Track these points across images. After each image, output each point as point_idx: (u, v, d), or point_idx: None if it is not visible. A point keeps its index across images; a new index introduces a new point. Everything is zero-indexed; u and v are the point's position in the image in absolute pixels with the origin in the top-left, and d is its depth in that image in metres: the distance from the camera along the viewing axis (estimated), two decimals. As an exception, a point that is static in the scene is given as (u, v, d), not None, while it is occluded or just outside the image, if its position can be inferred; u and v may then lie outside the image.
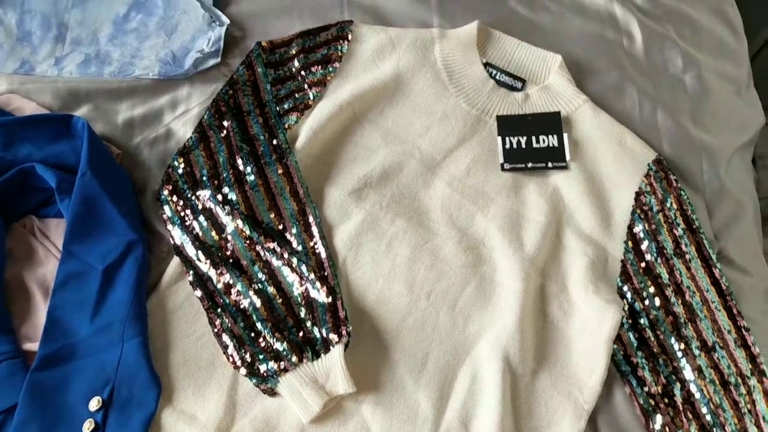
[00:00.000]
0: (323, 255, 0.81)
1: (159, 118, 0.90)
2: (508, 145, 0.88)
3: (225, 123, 0.86)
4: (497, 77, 0.93)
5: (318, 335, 0.76)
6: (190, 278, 0.80)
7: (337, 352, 0.75)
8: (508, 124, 0.90)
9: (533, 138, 0.89)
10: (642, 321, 0.81)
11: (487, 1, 1.00)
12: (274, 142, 0.85)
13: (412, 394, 0.77)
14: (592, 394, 0.78)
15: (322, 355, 0.75)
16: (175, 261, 0.81)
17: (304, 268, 0.79)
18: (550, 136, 0.88)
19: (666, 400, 0.78)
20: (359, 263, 0.82)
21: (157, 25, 0.94)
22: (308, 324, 0.77)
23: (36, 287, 0.80)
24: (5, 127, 0.83)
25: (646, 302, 0.82)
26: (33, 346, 0.77)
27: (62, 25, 0.94)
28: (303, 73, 0.90)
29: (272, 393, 0.75)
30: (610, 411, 0.79)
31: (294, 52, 0.92)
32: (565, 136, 0.88)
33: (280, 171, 0.84)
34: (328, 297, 0.78)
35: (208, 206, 0.82)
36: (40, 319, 0.78)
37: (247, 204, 0.83)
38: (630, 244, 0.84)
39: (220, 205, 0.82)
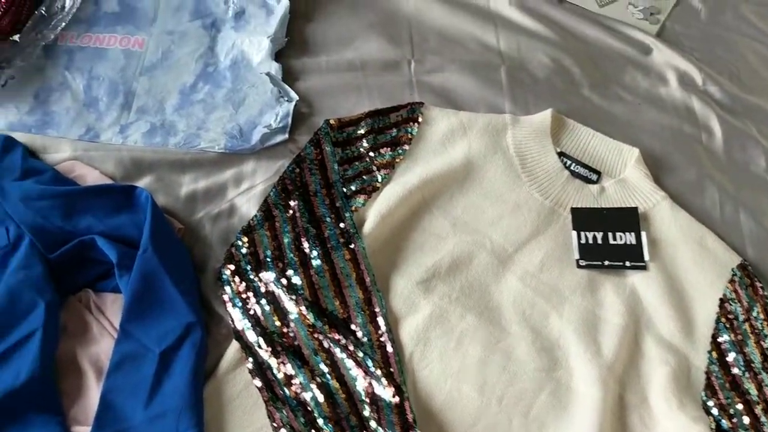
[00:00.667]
0: (389, 349, 0.76)
1: (223, 192, 0.86)
2: (583, 240, 0.84)
3: (291, 203, 0.83)
4: (572, 168, 0.88)
5: (383, 437, 0.70)
6: (249, 366, 0.75)
7: (403, 457, 0.69)
8: (583, 218, 0.85)
9: (609, 234, 0.84)
10: (729, 440, 0.75)
11: (559, 87, 0.96)
12: (341, 225, 0.81)
13: (480, 506, 0.71)
14: None
15: (387, 458, 0.70)
16: (234, 346, 0.77)
17: (369, 362, 0.74)
18: (627, 233, 0.84)
19: None
20: (427, 360, 0.77)
21: (225, 98, 0.91)
22: (373, 424, 0.72)
23: (89, 366, 0.76)
24: (66, 197, 0.80)
25: (734, 420, 0.76)
26: (82, 430, 0.72)
27: (129, 93, 0.91)
28: (372, 154, 0.87)
29: (333, 496, 0.69)
30: None
31: (363, 131, 0.88)
32: (643, 234, 0.84)
33: (347, 256, 0.79)
34: (394, 396, 0.72)
35: (271, 289, 0.78)
36: (92, 401, 0.74)
37: (311, 290, 0.78)
38: (714, 354, 0.78)
39: (284, 290, 0.77)
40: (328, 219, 0.83)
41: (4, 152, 0.83)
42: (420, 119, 0.90)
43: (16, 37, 0.90)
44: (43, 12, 0.92)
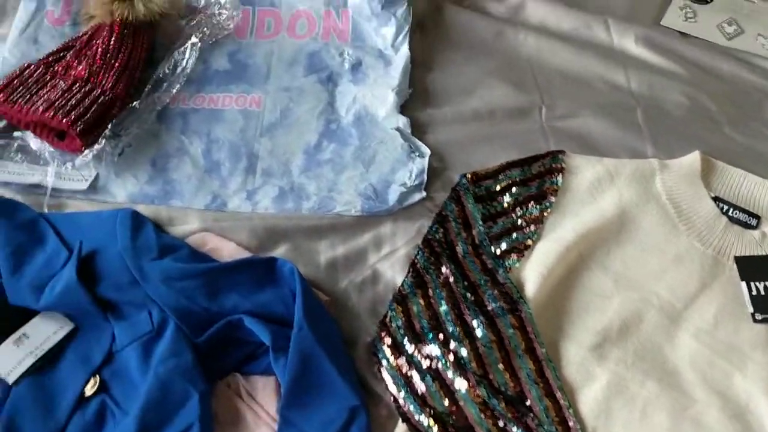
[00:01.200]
0: (571, 424, 0.69)
1: (363, 258, 0.81)
2: (754, 292, 0.77)
3: (443, 268, 0.76)
4: (729, 213, 0.83)
5: None
6: (420, 450, 0.68)
7: None
8: (750, 267, 0.79)
9: (781, 283, 0.78)
10: None
11: (698, 127, 0.90)
12: (500, 289, 0.75)
13: None
14: None
15: None
16: (401, 429, 0.71)
17: (552, 440, 0.67)
18: (802, 282, 0.77)
19: None
20: (611, 434, 0.70)
21: (353, 156, 0.85)
22: (564, 508, 0.64)
23: (246, 460, 0.69)
24: (209, 275, 0.74)
25: None
26: None
27: (252, 155, 0.85)
28: (517, 209, 0.81)
29: None
30: None
31: (504, 184, 0.83)
32: (820, 282, 0.77)
33: (513, 324, 0.73)
34: (584, 477, 0.65)
35: (434, 365, 0.71)
36: (254, 499, 0.67)
37: (478, 362, 0.72)
38: None
39: (449, 364, 0.70)
40: (482, 282, 0.77)
41: (135, 230, 0.77)
42: (564, 168, 0.84)
43: (136, 103, 0.84)
44: (160, 75, 0.86)
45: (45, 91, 0.84)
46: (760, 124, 0.93)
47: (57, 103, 0.82)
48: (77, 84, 0.84)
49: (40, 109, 0.82)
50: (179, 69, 0.88)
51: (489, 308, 0.75)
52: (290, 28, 0.95)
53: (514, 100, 0.92)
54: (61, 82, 0.84)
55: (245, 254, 0.79)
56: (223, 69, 0.92)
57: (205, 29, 0.89)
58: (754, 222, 0.83)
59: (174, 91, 0.87)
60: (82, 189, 0.82)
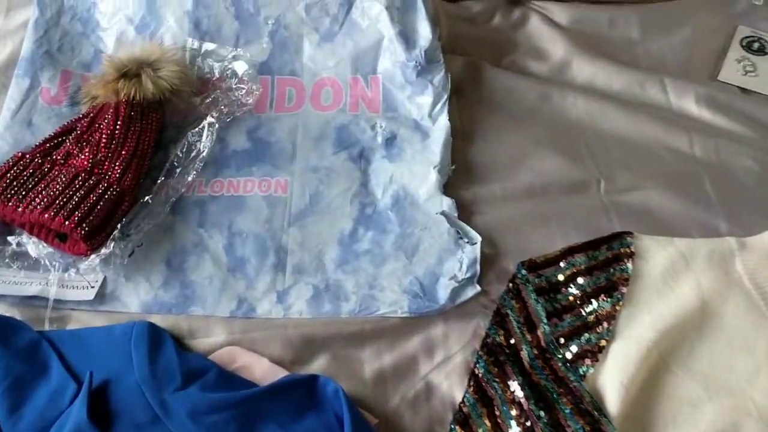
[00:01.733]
0: None
1: (414, 367, 0.70)
2: None
3: (509, 381, 0.65)
4: (819, 297, 0.72)
5: None
6: None
7: None
8: None
9: None
10: None
11: (773, 194, 0.80)
12: (579, 405, 0.64)
13: None
14: None
15: None
16: None
17: None
18: None
19: None
20: None
21: (394, 246, 0.75)
22: None
23: None
24: (242, 406, 0.64)
25: None
26: None
27: (280, 249, 0.74)
28: (585, 304, 0.71)
29: None
30: None
31: (567, 274, 0.73)
32: None
33: (597, 448, 0.62)
34: None
35: (508, 499, 0.60)
36: None
37: (558, 495, 0.61)
38: None
39: (526, 499, 0.59)
40: (555, 397, 0.66)
41: (153, 351, 0.66)
42: (633, 253, 0.74)
43: (148, 198, 0.73)
44: (174, 160, 0.75)
45: (43, 185, 0.73)
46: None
47: (58, 201, 0.71)
48: (80, 177, 0.73)
49: (38, 208, 0.71)
50: (194, 152, 0.77)
51: (568, 431, 0.64)
52: (314, 99, 0.85)
53: (568, 173, 0.81)
54: (61, 174, 0.73)
55: (280, 372, 0.68)
56: (243, 148, 0.81)
57: (222, 107, 0.78)
58: None
59: (189, 178, 0.76)
60: (88, 299, 0.71)
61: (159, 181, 0.76)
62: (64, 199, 0.72)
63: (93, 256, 0.71)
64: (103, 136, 0.76)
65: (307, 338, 0.71)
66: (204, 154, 0.78)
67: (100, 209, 0.72)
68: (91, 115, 0.79)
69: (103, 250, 0.71)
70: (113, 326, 0.70)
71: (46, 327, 0.71)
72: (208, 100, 0.81)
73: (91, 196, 0.72)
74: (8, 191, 0.73)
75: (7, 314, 0.70)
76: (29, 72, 0.84)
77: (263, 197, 0.79)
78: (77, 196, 0.72)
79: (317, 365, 0.70)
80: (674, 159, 0.84)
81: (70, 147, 0.77)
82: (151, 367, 0.65)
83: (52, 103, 0.84)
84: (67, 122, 0.80)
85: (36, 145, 0.78)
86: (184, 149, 0.78)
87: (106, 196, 0.73)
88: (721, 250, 0.77)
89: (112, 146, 0.75)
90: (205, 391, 0.65)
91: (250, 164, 0.80)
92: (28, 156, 0.76)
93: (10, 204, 0.72)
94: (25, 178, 0.74)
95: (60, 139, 0.79)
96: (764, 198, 0.82)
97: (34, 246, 0.72)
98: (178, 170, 0.78)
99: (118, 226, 0.72)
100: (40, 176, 0.75)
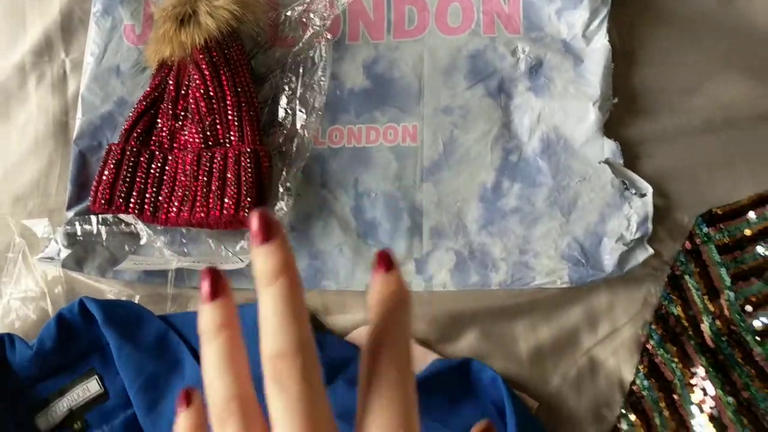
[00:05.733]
0: None
1: (575, 342, 0.69)
2: None
3: (689, 360, 0.63)
4: None
5: None
6: None
7: None
8: None
9: None
10: None
11: None
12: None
13: None
14: None
15: None
16: None
17: None
18: None
19: None
20: None
21: (547, 201, 0.71)
22: None
23: None
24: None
25: None
26: None
27: (414, 210, 0.72)
28: (778, 265, 0.65)
29: None
30: None
31: (757, 228, 0.68)
32: None
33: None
34: None
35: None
36: None
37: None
38: None
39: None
40: (746, 380, 0.63)
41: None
42: (839, 203, 0.67)
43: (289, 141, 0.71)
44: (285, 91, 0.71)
45: (170, 184, 0.71)
46: None
47: (199, 196, 0.69)
48: (202, 158, 0.70)
49: (185, 212, 0.70)
50: (314, 80, 0.73)
51: (764, 419, 0.62)
52: (440, 18, 0.78)
53: (758, 100, 0.73)
54: (179, 163, 0.71)
55: (430, 356, 0.68)
56: (361, 88, 0.77)
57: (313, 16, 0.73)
58: None
59: (317, 104, 0.72)
60: (240, 267, 0.71)
61: (283, 121, 0.73)
62: (204, 187, 0.70)
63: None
64: (199, 101, 0.72)
65: (453, 314, 0.70)
66: (325, 80, 0.73)
67: (247, 182, 0.70)
68: (170, 78, 0.75)
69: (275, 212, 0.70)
70: (243, 306, 0.70)
71: (168, 307, 0.71)
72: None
73: (228, 173, 0.70)
74: (135, 200, 0.72)
75: (125, 294, 0.71)
76: (108, 7, 0.80)
77: (390, 148, 0.75)
78: (215, 180, 0.70)
79: (465, 343, 0.70)
80: None
81: (170, 124, 0.74)
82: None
83: (138, 43, 0.80)
84: (145, 93, 0.76)
85: (125, 129, 0.74)
86: (291, 77, 0.74)
87: (244, 166, 0.70)
88: None
89: (214, 107, 0.72)
90: (351, 387, 0.65)
91: (372, 108, 0.76)
92: (127, 149, 0.73)
93: (148, 215, 0.71)
94: (143, 178, 0.73)
95: (150, 114, 0.75)
96: None
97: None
98: (297, 101, 0.74)
99: (279, 188, 0.70)
100: (159, 172, 0.73)
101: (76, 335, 0.69)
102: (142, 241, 0.72)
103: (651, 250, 0.69)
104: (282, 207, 0.70)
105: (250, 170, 0.70)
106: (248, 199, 0.69)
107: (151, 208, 0.72)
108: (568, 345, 0.69)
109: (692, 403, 0.65)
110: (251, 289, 0.72)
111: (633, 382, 0.67)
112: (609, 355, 0.69)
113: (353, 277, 0.72)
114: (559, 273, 0.69)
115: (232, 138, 0.71)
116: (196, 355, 0.68)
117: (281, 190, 0.71)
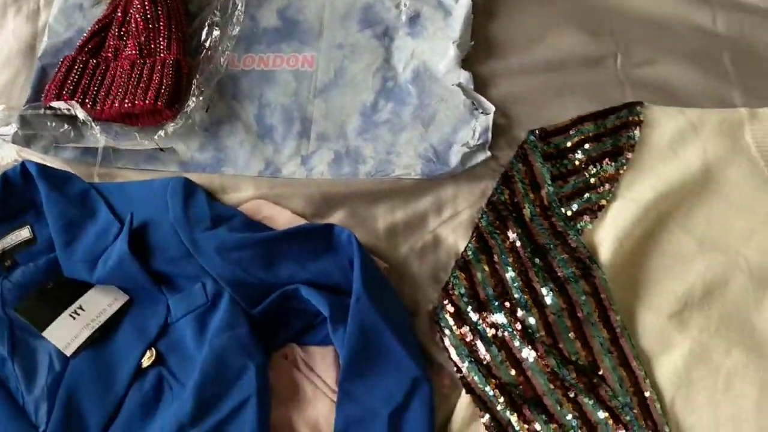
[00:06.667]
0: (648, 395, 0.71)
1: (423, 223, 0.83)
2: None
3: (509, 232, 0.78)
4: (830, 165, 0.81)
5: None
6: (485, 421, 0.72)
7: None
8: None
9: None
10: None
11: (795, 70, 0.88)
12: (572, 253, 0.76)
13: None
14: None
15: None
16: (465, 400, 0.74)
17: (626, 411, 0.68)
18: None
19: None
20: (692, 406, 0.72)
21: (412, 116, 0.87)
22: (639, 483, 0.66)
23: (307, 432, 0.73)
24: (265, 245, 0.77)
25: None
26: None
27: (305, 119, 0.88)
28: (590, 167, 0.82)
29: None
30: None
31: (575, 141, 0.83)
32: None
33: (586, 290, 0.74)
34: (664, 450, 0.67)
35: (499, 334, 0.73)
36: (317, 473, 0.71)
37: (548, 331, 0.74)
38: None
39: (516, 333, 0.72)
40: (552, 246, 0.78)
41: (187, 200, 0.81)
42: (641, 121, 0.84)
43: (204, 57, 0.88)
44: (211, 22, 0.89)
45: (109, 82, 0.89)
46: None
47: (130, 90, 0.86)
48: (136, 65, 0.88)
49: (117, 102, 0.86)
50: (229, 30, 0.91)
51: (559, 274, 0.77)
52: (341, -22, 0.97)
53: (586, 48, 0.91)
54: (119, 69, 0.89)
55: (301, 222, 0.83)
56: (273, 26, 0.95)
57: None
58: None
59: (234, 32, 0.90)
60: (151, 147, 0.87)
61: (205, 42, 0.90)
62: (134, 85, 0.88)
63: (177, 117, 0.86)
64: (139, 22, 0.90)
65: (326, 195, 0.85)
66: (236, 31, 0.92)
67: (167, 81, 0.87)
68: (119, 9, 0.93)
69: (187, 108, 0.86)
70: (153, 180, 0.86)
71: (95, 180, 0.87)
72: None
73: (155, 75, 0.88)
74: (78, 95, 0.89)
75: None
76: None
77: (291, 72, 0.93)
78: (144, 80, 0.88)
79: (334, 219, 0.84)
80: (695, 35, 0.92)
81: (115, 43, 0.92)
82: (184, 211, 0.81)
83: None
84: (98, 20, 0.95)
85: (78, 46, 0.93)
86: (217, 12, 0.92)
87: (166, 70, 0.88)
88: (732, 119, 0.86)
89: (150, 27, 0.90)
90: (232, 230, 0.80)
91: (280, 41, 0.94)
92: (78, 59, 0.91)
93: (87, 107, 0.88)
94: (88, 80, 0.90)
95: (101, 36, 0.94)
96: (785, 72, 0.90)
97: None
98: (217, 30, 0.91)
99: (192, 86, 0.87)
100: (101, 76, 0.90)
101: (16, 193, 0.84)
102: (81, 126, 0.88)
103: (489, 153, 0.86)
104: (191, 104, 0.86)
105: (170, 74, 0.87)
106: (166, 93, 0.86)
107: (91, 102, 0.89)
108: (418, 225, 0.84)
109: (508, 264, 0.79)
110: (163, 170, 0.88)
111: (464, 250, 0.81)
112: (450, 233, 0.84)
113: (248, 166, 0.88)
114: (414, 167, 0.85)
115: (162, 50, 0.89)
116: (111, 210, 0.83)
117: (195, 93, 0.87)
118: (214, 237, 0.79)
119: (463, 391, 0.75)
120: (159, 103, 0.85)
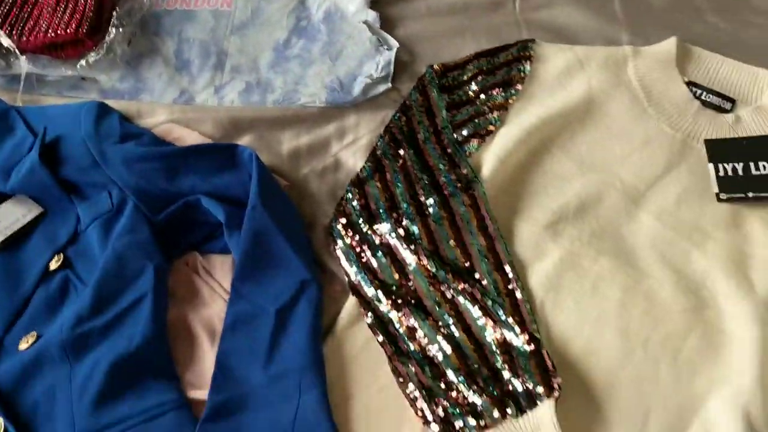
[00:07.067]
0: (519, 296, 0.75)
1: (326, 147, 0.88)
2: (722, 173, 0.81)
3: (401, 152, 0.83)
4: (702, 97, 0.86)
5: (521, 387, 0.69)
6: (369, 320, 0.76)
7: (546, 408, 0.68)
8: (719, 150, 0.83)
9: (751, 164, 0.82)
10: None
11: (680, 15, 0.94)
12: (457, 171, 0.81)
13: (631, 459, 0.69)
14: None
15: (528, 411, 0.68)
16: (352, 301, 0.78)
17: (498, 310, 0.73)
18: (772, 162, 0.81)
19: None
20: (560, 307, 0.76)
21: (321, 51, 0.93)
22: (506, 375, 0.70)
23: (201, 330, 0.78)
24: (169, 158, 0.82)
25: None
26: (199, 394, 0.74)
27: (221, 53, 0.93)
28: (482, 96, 0.87)
29: (469, 454, 0.68)
30: None
31: (470, 74, 0.89)
32: (792, 161, 0.80)
33: (466, 202, 0.79)
34: (529, 344, 0.71)
35: (386, 241, 0.78)
36: (207, 365, 0.75)
37: (429, 238, 0.78)
38: None
39: (401, 240, 0.77)
40: (441, 166, 0.83)
41: (100, 118, 0.86)
42: (532, 57, 0.89)
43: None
44: None
45: (37, 13, 0.93)
46: (748, 10, 0.96)
47: (54, 20, 0.91)
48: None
49: (42, 32, 0.91)
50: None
51: (444, 189, 0.81)
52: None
53: (489, -6, 0.97)
54: (46, 2, 0.93)
55: (205, 140, 0.87)
56: (196, -25, 1.00)
57: None
58: (728, 105, 0.87)
59: None
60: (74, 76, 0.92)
61: None
62: (58, 17, 0.93)
63: (99, 48, 0.91)
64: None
65: (235, 120, 0.90)
66: None
67: (89, 12, 0.92)
68: None
69: (107, 38, 0.91)
70: (71, 103, 0.91)
71: (18, 104, 0.92)
72: None
73: (78, 6, 0.93)
74: (6, 27, 0.94)
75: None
76: None
77: (211, 11, 0.98)
78: (67, 12, 0.93)
79: (242, 142, 0.89)
80: (591, -18, 0.98)
81: None
82: (96, 127, 0.85)
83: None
84: None
85: None
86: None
87: (88, 2, 0.93)
88: (616, 56, 0.91)
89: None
90: (139, 144, 0.85)
91: (201, -17, 1.00)
92: None
93: (15, 38, 0.93)
94: (17, 12, 0.95)
95: None
96: (670, 17, 0.95)
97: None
98: None
99: (113, 18, 0.92)
100: (29, 9, 0.95)
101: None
102: (7, 54, 0.93)
103: (390, 85, 0.91)
104: (112, 34, 0.91)
105: (92, 5, 0.93)
106: (86, 23, 0.91)
107: (18, 33, 0.94)
108: (321, 149, 0.89)
109: (398, 181, 0.84)
110: (85, 97, 0.93)
111: (360, 170, 0.86)
112: (350, 156, 0.88)
113: (164, 94, 0.93)
114: (318, 95, 0.91)
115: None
116: (29, 128, 0.87)
117: (115, 24, 0.92)
118: (121, 149, 0.84)
119: (350, 293, 0.79)
120: (80, 32, 0.90)
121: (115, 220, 0.82)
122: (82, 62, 0.92)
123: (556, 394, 0.69)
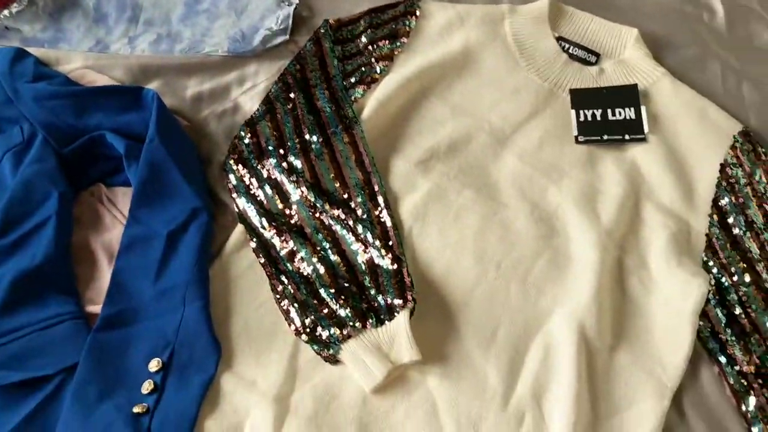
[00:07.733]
0: (388, 224, 0.82)
1: (227, 93, 0.94)
2: (582, 118, 0.88)
3: (292, 95, 0.89)
4: (570, 51, 0.93)
5: (383, 303, 0.76)
6: (253, 245, 0.82)
7: (402, 318, 0.75)
8: (582, 98, 0.90)
9: (609, 111, 0.89)
10: (731, 297, 0.79)
11: (557, -22, 1.01)
12: (341, 113, 0.87)
13: (480, 367, 0.76)
14: (676, 371, 0.76)
15: (387, 322, 0.75)
16: (239, 228, 0.84)
17: (369, 235, 0.79)
18: (627, 109, 0.88)
19: (760, 381, 0.75)
20: (425, 234, 0.82)
21: (228, 6, 0.99)
22: (372, 292, 0.77)
23: (101, 252, 0.84)
24: (77, 97, 0.87)
25: (735, 278, 0.79)
26: (96, 308, 0.80)
27: (137, 7, 0.99)
28: (370, 47, 0.93)
29: (334, 361, 0.75)
30: (697, 391, 0.77)
31: (361, 29, 0.95)
32: (643, 108, 0.88)
33: (346, 140, 0.86)
34: (393, 264, 0.78)
35: (273, 175, 0.84)
36: (105, 283, 0.81)
37: (312, 172, 0.85)
38: (715, 217, 0.82)
39: (286, 174, 0.83)
40: (327, 108, 0.89)
41: (16, 60, 0.91)
42: (417, 13, 0.96)
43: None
44: None
45: None
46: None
47: None
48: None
49: None
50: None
51: (328, 129, 0.88)
52: None
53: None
54: None
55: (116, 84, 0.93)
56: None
57: None
58: (593, 59, 0.94)
59: None
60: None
61: None
62: None
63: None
64: None
65: (144, 67, 0.96)
66: None
67: None
68: None
69: None
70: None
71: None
72: None
73: None
74: None
75: None
76: None
77: (129, -32, 1.04)
78: None
79: (150, 86, 0.95)
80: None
81: None
82: (10, 67, 0.91)
83: None
84: None
85: None
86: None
87: None
88: (494, 13, 0.98)
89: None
90: (49, 85, 0.90)
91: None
92: None
93: None
94: None
95: None
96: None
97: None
98: None
99: None
100: None
101: None
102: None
103: (287, 36, 0.97)
104: None
105: None
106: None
107: None
108: (221, 94, 0.96)
109: (288, 121, 0.90)
110: (7, 44, 0.98)
111: (254, 113, 0.92)
112: (248, 101, 0.95)
113: (81, 43, 0.99)
114: (221, 45, 0.97)
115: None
116: None
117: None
118: (33, 88, 0.90)
119: (238, 222, 0.85)
120: None
121: (25, 152, 0.87)
122: (5, 12, 0.98)
123: (410, 305, 0.76)
